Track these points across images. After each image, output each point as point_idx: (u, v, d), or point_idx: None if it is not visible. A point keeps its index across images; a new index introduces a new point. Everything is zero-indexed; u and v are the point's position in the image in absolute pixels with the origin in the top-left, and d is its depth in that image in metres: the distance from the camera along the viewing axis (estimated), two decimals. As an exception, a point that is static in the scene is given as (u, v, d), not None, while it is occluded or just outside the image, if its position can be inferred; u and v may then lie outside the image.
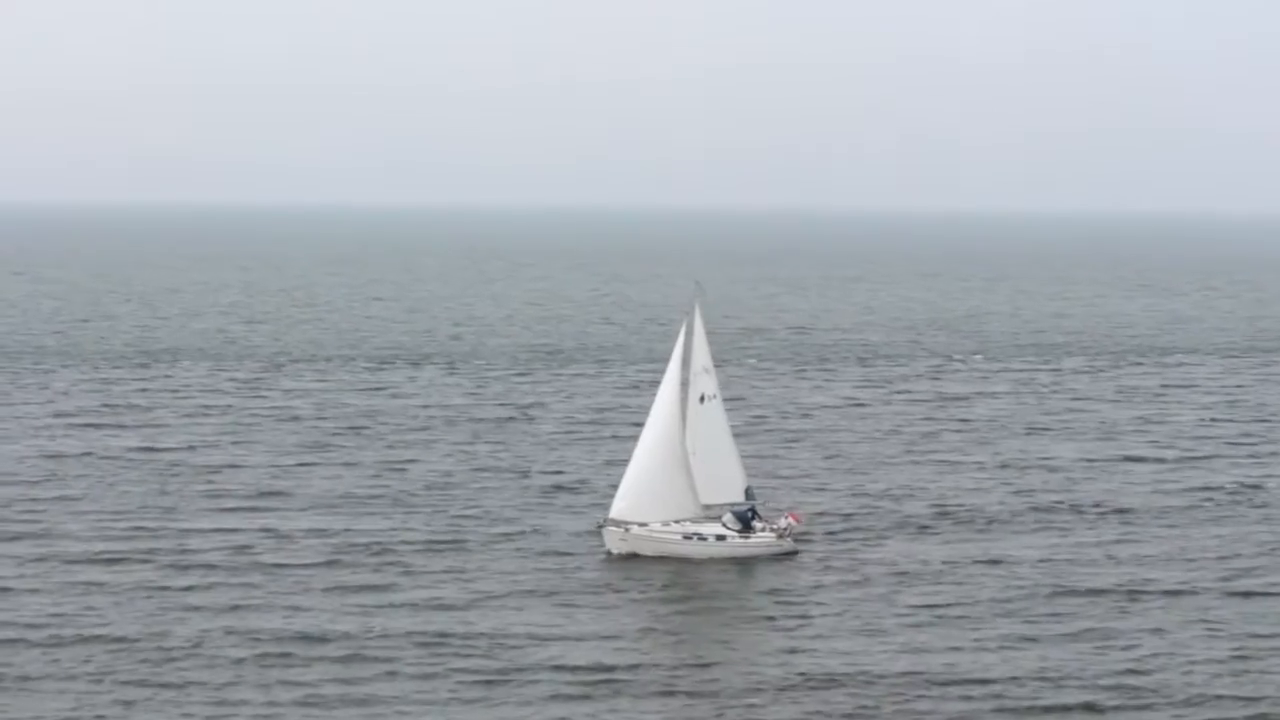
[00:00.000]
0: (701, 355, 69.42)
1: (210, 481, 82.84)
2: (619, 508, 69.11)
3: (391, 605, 60.36)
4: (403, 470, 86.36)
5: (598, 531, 69.71)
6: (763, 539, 68.89)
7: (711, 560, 67.71)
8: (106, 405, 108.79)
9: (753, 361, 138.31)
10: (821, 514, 75.72)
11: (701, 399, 69.66)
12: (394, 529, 72.46)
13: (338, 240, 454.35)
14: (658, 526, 68.60)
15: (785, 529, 69.39)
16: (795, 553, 68.78)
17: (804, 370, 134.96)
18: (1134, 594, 63.54)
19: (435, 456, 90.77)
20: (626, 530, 68.58)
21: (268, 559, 67.08)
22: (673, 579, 65.25)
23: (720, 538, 68.60)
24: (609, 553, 68.33)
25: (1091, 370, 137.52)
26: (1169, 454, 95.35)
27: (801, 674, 53.37)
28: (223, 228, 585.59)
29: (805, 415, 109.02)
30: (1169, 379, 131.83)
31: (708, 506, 69.52)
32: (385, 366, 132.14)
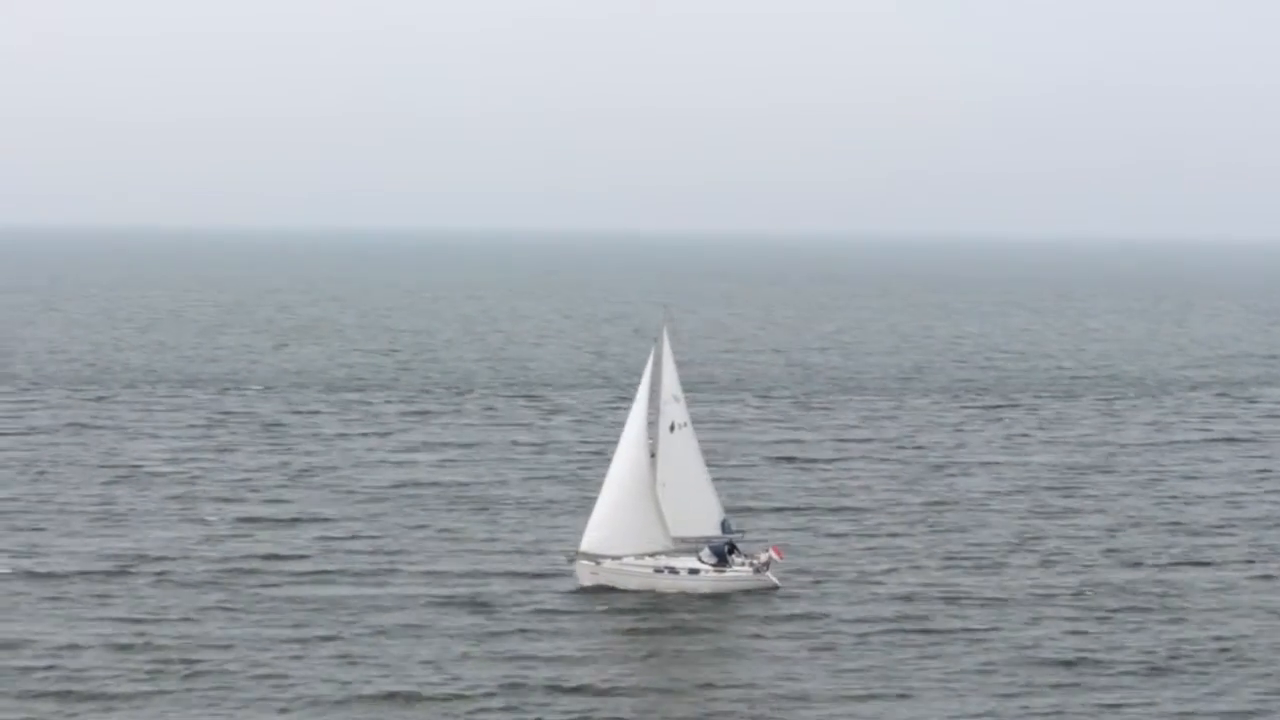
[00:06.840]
0: (671, 383, 67.58)
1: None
2: (589, 540, 67.36)
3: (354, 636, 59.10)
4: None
5: (568, 565, 67.93)
6: (738, 573, 66.90)
7: (685, 594, 65.80)
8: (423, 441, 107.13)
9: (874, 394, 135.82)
10: (835, 554, 73.81)
11: (671, 428, 67.79)
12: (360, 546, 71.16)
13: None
14: (630, 560, 66.77)
15: (765, 563, 67.39)
16: (776, 588, 66.76)
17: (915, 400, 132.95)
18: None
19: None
20: (598, 564, 66.80)
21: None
22: (643, 613, 63.41)
23: (694, 571, 66.68)
24: (580, 586, 66.57)
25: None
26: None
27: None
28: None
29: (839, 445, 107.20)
30: None
31: (680, 539, 67.54)
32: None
